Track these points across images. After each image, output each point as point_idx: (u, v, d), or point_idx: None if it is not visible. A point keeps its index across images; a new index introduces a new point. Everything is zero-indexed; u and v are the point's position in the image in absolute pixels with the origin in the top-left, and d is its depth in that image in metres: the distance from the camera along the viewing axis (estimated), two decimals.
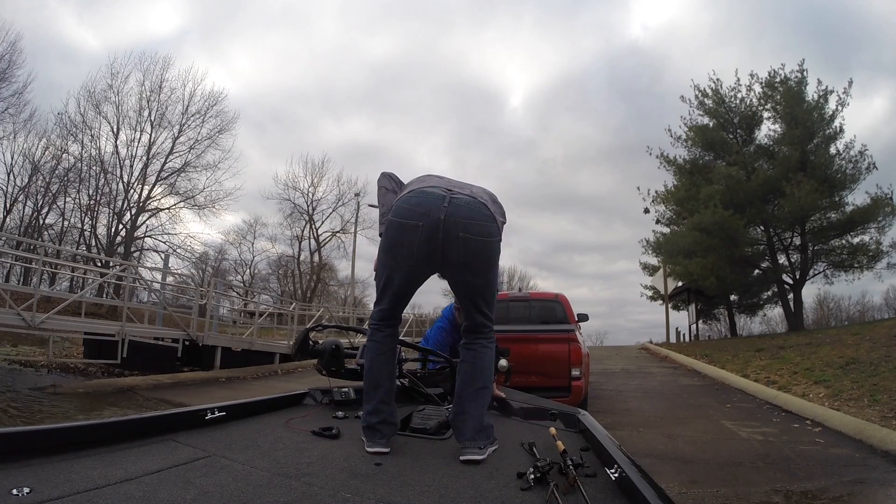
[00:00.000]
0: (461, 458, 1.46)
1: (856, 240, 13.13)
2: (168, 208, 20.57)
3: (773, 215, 13.32)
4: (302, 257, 27.81)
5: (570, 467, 1.27)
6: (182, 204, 20.67)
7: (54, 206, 19.94)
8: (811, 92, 13.37)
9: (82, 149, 19.43)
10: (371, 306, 2.09)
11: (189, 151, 20.62)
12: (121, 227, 19.99)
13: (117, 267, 11.42)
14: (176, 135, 20.40)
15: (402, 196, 1.62)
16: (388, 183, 1.84)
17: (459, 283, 1.64)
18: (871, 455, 3.35)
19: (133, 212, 19.95)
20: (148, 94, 20.18)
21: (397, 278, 1.64)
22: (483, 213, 1.56)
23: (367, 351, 1.70)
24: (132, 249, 19.85)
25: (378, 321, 1.70)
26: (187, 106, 20.56)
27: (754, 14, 40.76)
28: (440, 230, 1.51)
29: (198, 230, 32.43)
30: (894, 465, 3.11)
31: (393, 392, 1.66)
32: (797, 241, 13.87)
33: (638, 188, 18.11)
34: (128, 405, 5.59)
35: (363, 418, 1.59)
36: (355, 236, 24.05)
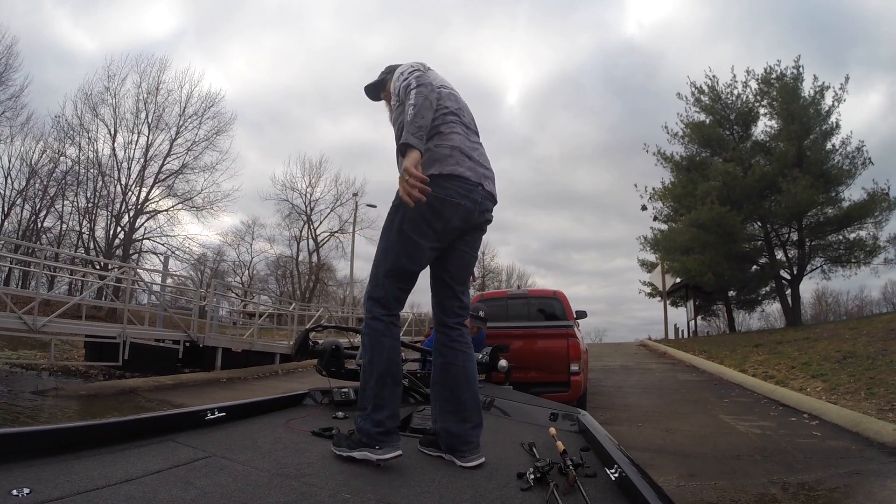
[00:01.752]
0: (467, 464, 1.47)
1: (853, 235, 13.16)
2: (166, 210, 20.53)
3: (771, 211, 13.33)
4: (300, 258, 27.88)
5: (570, 467, 1.28)
6: (180, 206, 20.64)
7: (52, 209, 19.92)
8: (807, 88, 13.39)
9: (80, 152, 19.38)
10: None
11: (187, 153, 20.58)
12: (119, 229, 19.95)
13: (116, 269, 11.40)
14: (173, 136, 20.37)
15: (441, 176, 1.54)
16: (432, 93, 1.55)
17: (463, 255, 1.67)
18: (868, 447, 3.36)
19: (131, 214, 19.90)
20: (145, 96, 20.13)
21: (420, 255, 1.56)
22: (495, 199, 1.71)
23: (383, 348, 1.51)
24: (131, 252, 19.80)
25: (395, 308, 1.55)
26: (184, 107, 20.53)
27: (749, 11, 40.92)
28: (475, 212, 1.61)
29: (196, 232, 32.59)
30: (890, 456, 3.12)
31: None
32: (794, 236, 13.88)
33: (635, 185, 18.11)
34: (130, 407, 5.59)
35: (380, 422, 1.43)
36: (353, 236, 24.05)
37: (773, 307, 18.17)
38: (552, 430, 1.69)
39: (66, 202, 19.99)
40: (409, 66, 1.66)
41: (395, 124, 1.67)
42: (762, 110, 14.33)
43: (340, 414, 1.99)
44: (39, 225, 19.84)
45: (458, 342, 1.63)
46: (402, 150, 1.43)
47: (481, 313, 4.25)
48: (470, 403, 1.57)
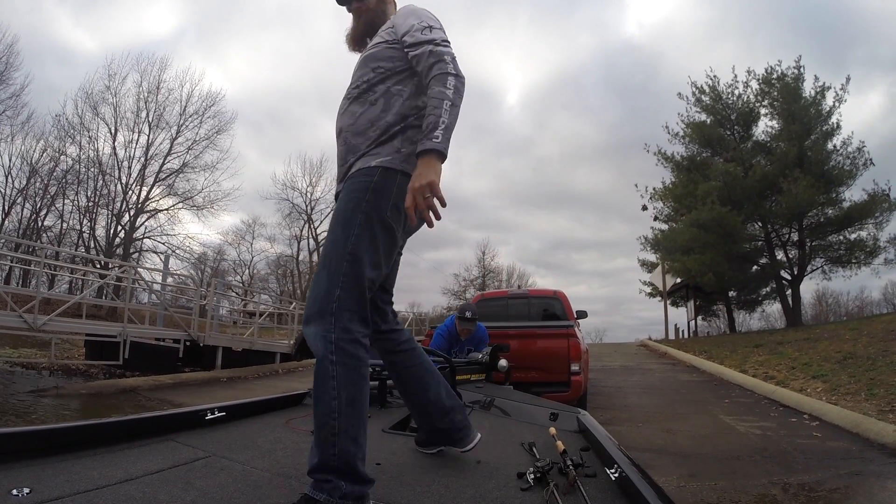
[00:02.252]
0: (468, 447, 1.49)
1: (853, 236, 13.17)
2: (167, 209, 20.51)
3: (771, 211, 13.34)
4: (301, 257, 27.90)
5: (570, 467, 1.28)
6: (180, 205, 20.60)
7: (53, 207, 19.91)
8: (808, 88, 13.40)
9: (80, 150, 19.35)
10: None
11: (187, 152, 20.55)
12: (119, 228, 19.94)
13: (117, 268, 11.41)
14: (174, 135, 20.33)
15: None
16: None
17: (398, 258, 1.59)
18: (868, 448, 3.36)
19: (132, 213, 19.91)
20: (145, 95, 20.10)
21: (394, 252, 1.40)
22: None
23: (366, 384, 1.18)
24: (131, 251, 19.81)
25: (368, 327, 1.23)
26: (185, 107, 20.48)
27: (749, 11, 40.89)
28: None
29: (196, 231, 32.61)
30: (890, 457, 3.12)
31: None
32: (795, 237, 13.88)
33: (636, 185, 18.13)
34: (130, 406, 5.60)
35: (368, 480, 1.13)
36: None
37: (774, 307, 18.22)
38: (552, 430, 1.70)
39: (66, 201, 20.01)
40: (440, 27, 1.41)
41: (367, 62, 1.47)
42: (763, 110, 14.35)
43: None
44: (40, 224, 19.85)
45: (405, 343, 1.56)
46: (426, 154, 1.22)
47: (468, 314, 4.21)
48: (443, 393, 1.54)
